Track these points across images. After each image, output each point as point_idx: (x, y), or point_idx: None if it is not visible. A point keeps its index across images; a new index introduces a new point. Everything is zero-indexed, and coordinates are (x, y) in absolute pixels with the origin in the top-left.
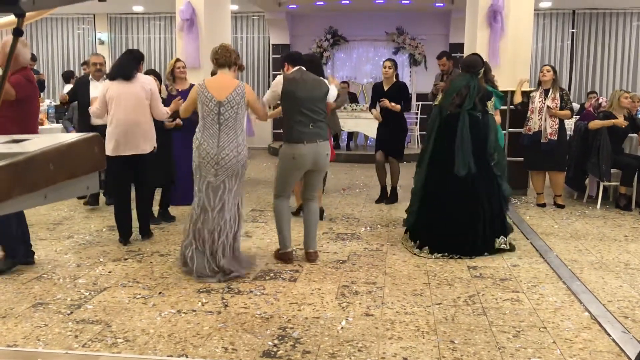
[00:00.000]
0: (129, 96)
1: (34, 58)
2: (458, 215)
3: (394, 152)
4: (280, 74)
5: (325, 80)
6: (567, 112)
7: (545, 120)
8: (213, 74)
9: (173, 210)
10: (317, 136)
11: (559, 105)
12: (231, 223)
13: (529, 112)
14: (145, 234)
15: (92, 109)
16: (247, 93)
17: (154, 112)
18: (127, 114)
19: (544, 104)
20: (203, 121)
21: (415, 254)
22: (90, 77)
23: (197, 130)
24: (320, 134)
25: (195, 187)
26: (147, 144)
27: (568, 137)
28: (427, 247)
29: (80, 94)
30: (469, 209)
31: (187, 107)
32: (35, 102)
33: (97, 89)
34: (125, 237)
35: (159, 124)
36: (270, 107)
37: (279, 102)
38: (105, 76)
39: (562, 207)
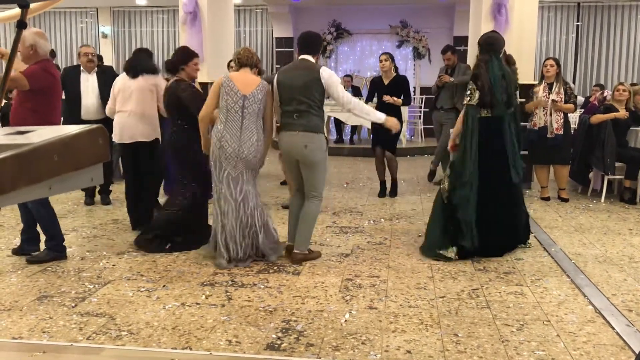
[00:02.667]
0: (136, 89)
1: (52, 54)
2: (502, 218)
3: (391, 146)
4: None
5: (326, 70)
6: (571, 106)
7: (551, 115)
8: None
9: None
10: (298, 127)
11: (563, 99)
12: (256, 212)
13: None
14: (142, 224)
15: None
16: (268, 94)
17: (160, 106)
18: (134, 105)
19: (549, 98)
20: (226, 114)
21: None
22: (81, 68)
23: (218, 122)
24: (304, 124)
25: (214, 178)
26: (149, 133)
27: (572, 131)
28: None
29: (69, 85)
30: (511, 210)
31: (211, 102)
32: (56, 94)
33: (88, 81)
34: (133, 224)
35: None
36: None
37: None
38: (96, 67)
39: (566, 200)
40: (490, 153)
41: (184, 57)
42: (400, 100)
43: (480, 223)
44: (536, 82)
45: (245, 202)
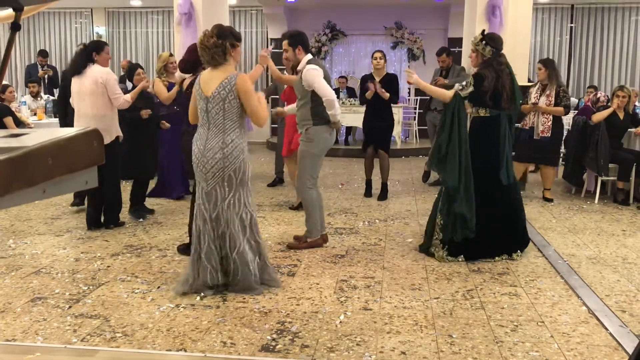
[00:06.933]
0: (83, 90)
1: (45, 54)
2: (499, 219)
3: (384, 145)
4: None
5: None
6: (560, 108)
7: (538, 117)
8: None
9: (170, 203)
10: None
11: (553, 102)
12: (231, 237)
13: None
14: (108, 224)
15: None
16: (238, 84)
17: (113, 103)
18: (82, 108)
19: (539, 99)
20: (199, 119)
21: (445, 261)
22: None
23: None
24: None
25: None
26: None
27: (566, 132)
28: (462, 256)
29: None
30: (508, 212)
31: (191, 108)
32: None
33: None
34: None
35: (135, 118)
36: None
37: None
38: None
39: (550, 200)
40: (483, 153)
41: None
42: (387, 94)
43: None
44: (530, 84)
45: (218, 222)
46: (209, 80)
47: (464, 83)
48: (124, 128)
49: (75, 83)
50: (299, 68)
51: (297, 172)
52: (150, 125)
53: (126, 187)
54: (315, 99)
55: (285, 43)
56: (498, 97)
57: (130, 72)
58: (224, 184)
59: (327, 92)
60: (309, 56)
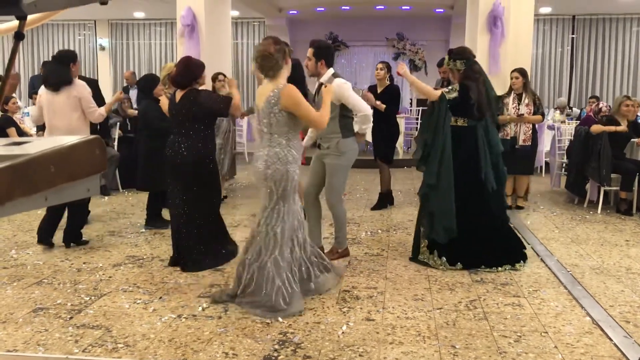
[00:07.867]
0: (55, 103)
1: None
2: (485, 226)
3: (383, 155)
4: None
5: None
6: (539, 117)
7: (520, 127)
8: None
9: None
10: None
11: (532, 110)
12: (259, 248)
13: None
14: (68, 241)
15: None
16: (283, 98)
17: (87, 117)
18: (54, 121)
19: (518, 109)
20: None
21: (443, 269)
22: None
23: None
24: None
25: None
26: None
27: (568, 142)
28: (460, 263)
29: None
30: (492, 219)
31: None
32: None
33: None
34: (41, 240)
35: (154, 126)
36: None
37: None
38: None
39: (521, 208)
40: (462, 162)
41: (199, 71)
42: (383, 106)
43: (459, 232)
44: (503, 93)
45: (257, 229)
46: (261, 94)
47: (450, 87)
48: (142, 137)
49: (49, 95)
50: (322, 80)
51: (329, 187)
52: (165, 135)
53: (129, 197)
54: (343, 112)
55: (310, 51)
56: (480, 107)
57: (147, 82)
58: (267, 195)
59: (363, 107)
60: (332, 70)
